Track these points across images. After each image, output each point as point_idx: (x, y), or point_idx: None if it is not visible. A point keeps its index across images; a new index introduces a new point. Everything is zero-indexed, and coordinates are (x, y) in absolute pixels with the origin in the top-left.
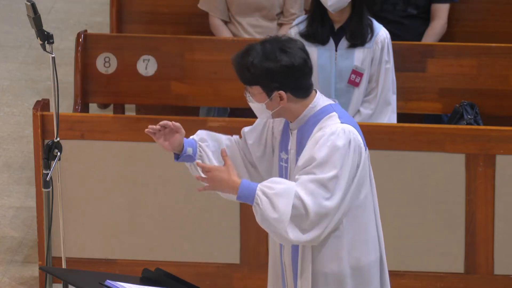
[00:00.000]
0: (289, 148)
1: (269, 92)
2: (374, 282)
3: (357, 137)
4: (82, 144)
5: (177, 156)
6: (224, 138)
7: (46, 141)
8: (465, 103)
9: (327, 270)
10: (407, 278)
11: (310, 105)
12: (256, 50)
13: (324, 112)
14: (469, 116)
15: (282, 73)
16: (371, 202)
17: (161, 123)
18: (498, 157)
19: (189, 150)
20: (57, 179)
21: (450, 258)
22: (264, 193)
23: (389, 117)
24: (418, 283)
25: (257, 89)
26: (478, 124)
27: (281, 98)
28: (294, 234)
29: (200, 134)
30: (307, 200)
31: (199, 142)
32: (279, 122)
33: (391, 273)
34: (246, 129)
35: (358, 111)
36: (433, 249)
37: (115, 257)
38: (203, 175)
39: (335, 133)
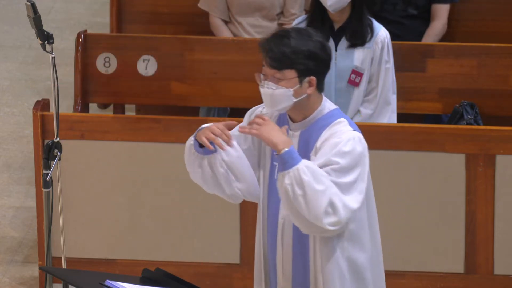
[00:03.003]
0: None
1: (302, 76)
2: (368, 282)
3: (367, 145)
4: (82, 144)
5: (201, 146)
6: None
7: (46, 141)
8: (465, 103)
9: (334, 271)
10: (407, 278)
11: (319, 108)
12: (292, 33)
13: (333, 116)
14: (469, 116)
15: (320, 57)
16: (364, 205)
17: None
18: (498, 157)
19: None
20: (57, 179)
21: (450, 258)
22: (308, 166)
23: (389, 117)
24: (418, 283)
25: (290, 73)
26: (478, 124)
27: (310, 84)
28: (326, 220)
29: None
30: (336, 200)
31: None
32: None
33: (391, 272)
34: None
35: (358, 111)
36: (433, 249)
37: (115, 257)
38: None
39: (352, 140)
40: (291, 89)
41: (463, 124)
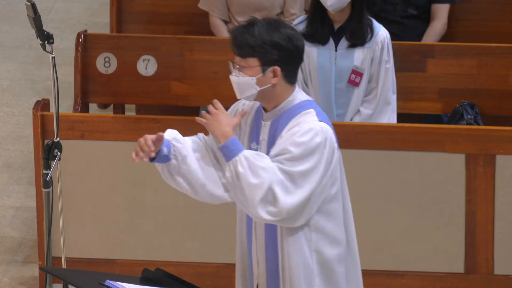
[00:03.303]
0: (260, 138)
1: (265, 65)
2: (339, 276)
3: (333, 137)
4: (82, 144)
5: (152, 158)
6: (190, 140)
7: (46, 141)
8: (465, 103)
9: (299, 262)
10: (407, 278)
11: (289, 98)
12: (260, 22)
13: (302, 107)
14: (469, 116)
15: (284, 48)
16: (340, 199)
17: (151, 141)
18: (498, 157)
19: (165, 150)
20: (57, 179)
21: (450, 258)
22: (247, 158)
23: (389, 117)
24: (418, 283)
25: (253, 61)
26: (478, 124)
27: (274, 75)
28: (264, 210)
29: (172, 134)
30: (278, 190)
31: (173, 142)
32: (247, 114)
33: (391, 272)
34: None
35: (358, 111)
36: (433, 249)
37: (115, 257)
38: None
39: (313, 130)
40: (254, 78)
41: (463, 124)
